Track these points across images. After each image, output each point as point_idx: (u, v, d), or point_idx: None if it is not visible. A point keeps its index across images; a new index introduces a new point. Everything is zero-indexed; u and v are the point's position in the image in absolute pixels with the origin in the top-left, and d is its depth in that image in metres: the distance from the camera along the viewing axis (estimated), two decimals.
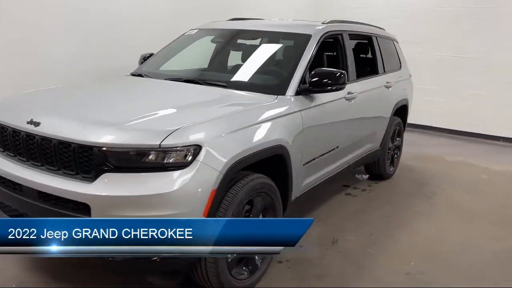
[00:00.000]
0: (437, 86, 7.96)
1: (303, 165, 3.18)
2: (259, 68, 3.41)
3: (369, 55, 4.75)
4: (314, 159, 3.33)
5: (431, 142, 7.34)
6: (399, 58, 5.39)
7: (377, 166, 4.97)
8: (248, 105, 2.84)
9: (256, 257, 2.75)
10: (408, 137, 7.66)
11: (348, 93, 3.75)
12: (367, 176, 5.17)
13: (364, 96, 4.07)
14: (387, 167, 5.02)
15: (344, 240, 3.56)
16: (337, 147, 3.70)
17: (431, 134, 7.96)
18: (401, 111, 5.24)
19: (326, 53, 3.99)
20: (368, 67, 4.68)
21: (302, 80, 3.19)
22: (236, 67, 3.62)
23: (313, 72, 3.16)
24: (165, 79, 3.38)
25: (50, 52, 4.43)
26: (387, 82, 4.68)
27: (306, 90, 3.17)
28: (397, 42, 5.52)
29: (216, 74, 3.70)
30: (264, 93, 3.03)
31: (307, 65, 3.29)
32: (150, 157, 2.19)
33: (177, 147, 2.21)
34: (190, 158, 2.22)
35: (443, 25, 7.75)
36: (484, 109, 7.56)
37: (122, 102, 2.93)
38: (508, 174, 5.71)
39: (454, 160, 6.23)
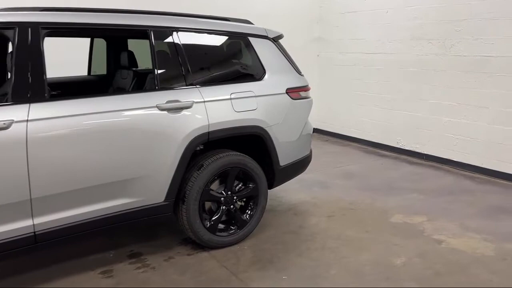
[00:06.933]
0: (454, 101, 5.35)
1: None
2: None
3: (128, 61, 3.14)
4: None
5: (418, 186, 4.78)
6: (261, 64, 3.54)
7: (185, 229, 3.27)
8: None
9: None
10: (396, 173, 5.31)
11: None
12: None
13: (63, 125, 2.58)
14: (200, 230, 3.22)
15: None
16: None
17: (444, 170, 5.38)
18: (251, 143, 3.42)
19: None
20: (123, 78, 3.10)
21: None
22: None
23: None
24: None
25: None
26: (170, 102, 2.98)
27: None
28: (267, 39, 3.63)
29: None
30: None
31: None
32: None
33: None
34: None
35: (464, 14, 5.15)
36: None
37: None
38: (460, 258, 3.12)
39: (396, 222, 3.85)
